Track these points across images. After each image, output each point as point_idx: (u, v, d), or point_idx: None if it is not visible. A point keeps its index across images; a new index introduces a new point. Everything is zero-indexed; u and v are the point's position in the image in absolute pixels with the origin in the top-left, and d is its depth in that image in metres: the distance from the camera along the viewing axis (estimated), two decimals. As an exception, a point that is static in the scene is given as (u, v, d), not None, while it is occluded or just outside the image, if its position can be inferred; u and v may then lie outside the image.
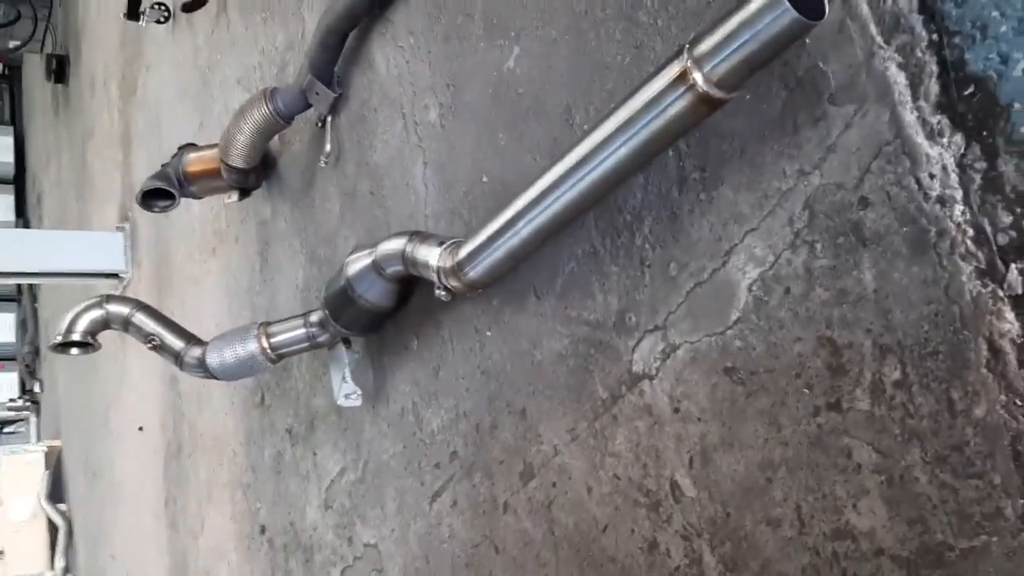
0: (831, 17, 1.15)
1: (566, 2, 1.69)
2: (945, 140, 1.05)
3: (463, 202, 2.02)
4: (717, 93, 1.21)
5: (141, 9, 4.38)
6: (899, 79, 1.10)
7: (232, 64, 3.61)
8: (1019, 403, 0.98)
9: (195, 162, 3.11)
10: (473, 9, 1.99)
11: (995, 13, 1.01)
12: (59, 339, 2.58)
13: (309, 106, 2.69)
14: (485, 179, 1.94)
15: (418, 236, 1.98)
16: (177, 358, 2.56)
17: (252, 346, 2.41)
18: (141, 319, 2.61)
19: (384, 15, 2.36)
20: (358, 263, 2.11)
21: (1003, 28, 1.00)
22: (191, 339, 2.58)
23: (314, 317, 2.40)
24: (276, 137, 2.94)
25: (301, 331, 2.41)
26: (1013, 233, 0.99)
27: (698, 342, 1.39)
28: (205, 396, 3.95)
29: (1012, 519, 0.98)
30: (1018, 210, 0.98)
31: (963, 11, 1.04)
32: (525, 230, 1.60)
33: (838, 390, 1.17)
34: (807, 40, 1.20)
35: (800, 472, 1.22)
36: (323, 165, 2.68)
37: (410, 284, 2.15)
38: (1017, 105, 0.99)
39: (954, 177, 1.04)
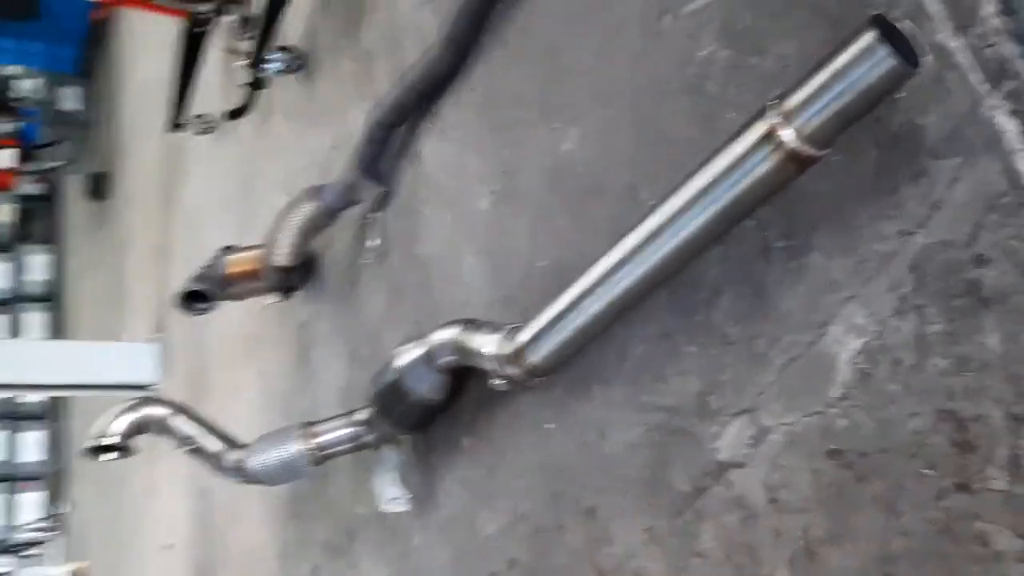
0: (924, 69, 1.09)
1: (624, 81, 1.66)
2: (1071, 187, 0.97)
3: (519, 288, 1.95)
4: (807, 150, 1.14)
5: (181, 121, 4.46)
6: (1009, 126, 1.03)
7: (276, 169, 3.64)
8: None
9: (235, 263, 3.09)
10: (526, 97, 1.97)
11: (1121, 49, 0.94)
12: (93, 443, 2.50)
13: (354, 202, 2.67)
14: (544, 263, 1.88)
15: (472, 324, 1.90)
16: (216, 462, 2.46)
17: (295, 447, 2.32)
18: (178, 422, 2.53)
19: (431, 109, 2.36)
20: (408, 355, 2.03)
21: None
22: (229, 442, 2.49)
23: (359, 416, 2.30)
24: (319, 238, 2.91)
25: (346, 431, 2.31)
26: None
27: (794, 424, 1.28)
28: (239, 509, 3.81)
29: None
30: None
31: (1081, 51, 0.98)
32: (594, 307, 1.53)
33: (966, 469, 1.05)
34: (899, 93, 1.14)
35: (927, 565, 1.09)
36: (368, 261, 2.64)
37: (462, 376, 2.06)
38: None
39: (1086, 227, 0.95)
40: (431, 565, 2.23)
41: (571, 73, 1.82)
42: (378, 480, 2.30)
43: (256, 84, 3.69)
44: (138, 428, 2.55)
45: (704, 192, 1.26)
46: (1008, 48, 1.03)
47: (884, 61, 1.03)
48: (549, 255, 1.86)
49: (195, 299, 3.03)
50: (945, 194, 1.09)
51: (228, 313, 4.01)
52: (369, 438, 2.31)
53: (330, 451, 2.34)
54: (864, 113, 1.10)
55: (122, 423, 2.53)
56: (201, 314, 3.05)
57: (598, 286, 1.51)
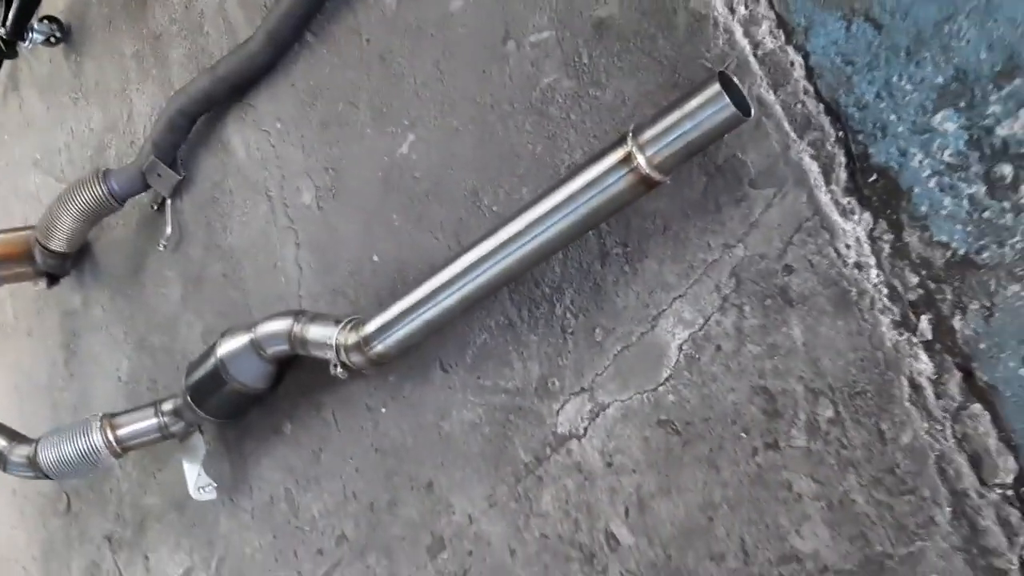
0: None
1: (468, 96, 1.81)
2: (856, 217, 1.28)
3: (348, 282, 2.05)
4: (656, 175, 1.37)
5: None
6: (813, 167, 1.32)
7: (26, 145, 3.37)
8: (939, 428, 1.19)
9: (2, 244, 2.85)
10: (357, 99, 2.06)
11: (892, 116, 1.26)
12: None
13: (145, 188, 2.59)
14: (376, 258, 1.99)
15: (305, 315, 1.97)
16: (1, 459, 2.30)
17: (96, 439, 2.23)
18: (-51, 419, 2.33)
19: (244, 100, 2.36)
20: (233, 343, 2.05)
21: (900, 128, 1.25)
22: (15, 436, 2.33)
23: (167, 406, 2.27)
24: (100, 223, 2.77)
25: (152, 421, 2.27)
26: (920, 291, 1.22)
27: (629, 400, 1.52)
28: (-24, 511, 3.50)
29: (943, 524, 1.18)
30: (923, 272, 1.22)
31: (864, 114, 1.29)
32: (448, 301, 1.66)
33: (775, 431, 1.34)
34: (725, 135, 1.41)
35: (742, 508, 1.37)
36: (162, 249, 2.57)
37: (285, 366, 2.12)
38: (916, 189, 1.24)
39: (867, 247, 1.27)
40: (244, 548, 2.26)
41: (407, 81, 1.94)
42: (188, 470, 2.28)
43: (4, 53, 3.37)
44: (-103, 426, 2.31)
45: (565, 202, 1.45)
46: (812, 105, 1.33)
47: (725, 109, 1.28)
48: (383, 252, 1.97)
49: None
50: (761, 216, 1.37)
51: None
52: (176, 428, 2.28)
53: (133, 443, 2.28)
54: (703, 148, 1.36)
55: None
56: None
57: (455, 282, 1.65)
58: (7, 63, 3.47)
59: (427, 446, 1.85)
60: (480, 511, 1.74)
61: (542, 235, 1.51)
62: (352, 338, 1.84)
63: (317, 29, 2.17)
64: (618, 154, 1.39)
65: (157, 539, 2.56)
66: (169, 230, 2.55)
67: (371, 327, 1.80)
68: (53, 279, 2.94)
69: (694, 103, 1.31)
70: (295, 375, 2.15)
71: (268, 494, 2.21)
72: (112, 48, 2.92)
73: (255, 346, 2.03)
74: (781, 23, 1.37)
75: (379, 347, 1.80)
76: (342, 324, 1.88)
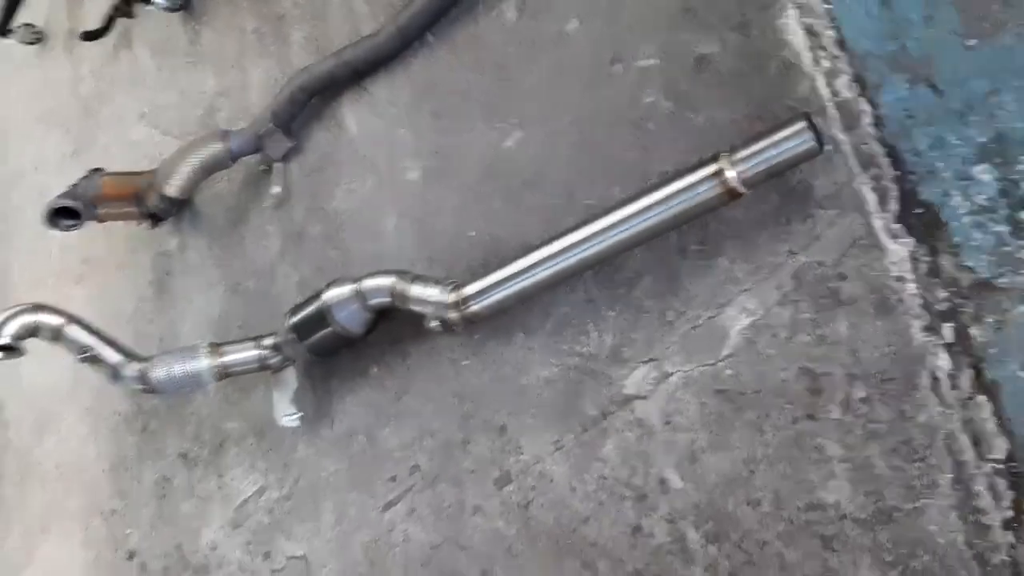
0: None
1: (572, 104, 2.10)
2: (902, 240, 1.58)
3: (443, 251, 2.33)
4: (741, 188, 1.67)
5: (11, 27, 4.22)
6: (871, 197, 1.62)
7: (133, 100, 3.64)
8: (950, 412, 1.49)
9: (112, 185, 3.13)
10: (469, 96, 2.35)
11: (940, 164, 1.55)
12: (-18, 342, 2.51)
13: (257, 151, 2.87)
14: (472, 233, 2.27)
15: (408, 275, 2.25)
16: (114, 372, 2.58)
17: (203, 363, 2.51)
18: (74, 331, 2.61)
19: (361, 85, 2.65)
20: (339, 291, 2.33)
21: (945, 174, 1.55)
22: (129, 354, 2.61)
23: (267, 341, 2.55)
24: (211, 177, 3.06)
25: (253, 352, 2.55)
26: (947, 303, 1.52)
27: (691, 371, 1.81)
28: (48, 423, 3.77)
29: (944, 487, 1.48)
30: (951, 289, 1.52)
31: (918, 159, 1.58)
32: (542, 275, 1.96)
33: (814, 405, 1.64)
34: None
35: (779, 464, 1.67)
36: (267, 205, 2.86)
37: (380, 317, 2.40)
38: (953, 223, 1.53)
39: (908, 265, 1.56)
40: (320, 472, 2.54)
41: (519, 88, 2.23)
42: (277, 398, 2.56)
43: (123, 11, 3.65)
44: (30, 331, 2.59)
45: (659, 202, 1.75)
46: (875, 147, 1.62)
47: (807, 143, 1.58)
48: (480, 228, 2.26)
49: (63, 215, 3.03)
50: (824, 232, 1.66)
51: (49, 235, 3.93)
52: (273, 361, 2.56)
53: (234, 369, 2.56)
54: (782, 172, 1.65)
55: (13, 325, 2.56)
56: (67, 230, 3.06)
57: (550, 260, 1.94)
58: (122, 22, 3.74)
59: (504, 395, 2.13)
60: (546, 453, 2.02)
61: (634, 227, 1.81)
62: (452, 297, 2.13)
63: (438, 32, 2.46)
64: (712, 168, 1.68)
65: (234, 461, 2.84)
66: (278, 189, 2.82)
67: (471, 289, 2.09)
68: (156, 221, 3.21)
69: (782, 134, 1.61)
70: (386, 327, 2.42)
71: (348, 427, 2.49)
72: (232, 23, 3.20)
73: (359, 295, 2.31)
74: (857, 78, 1.67)
75: (475, 307, 2.09)
76: (443, 285, 2.16)
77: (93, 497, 3.40)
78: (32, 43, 4.32)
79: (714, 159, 1.68)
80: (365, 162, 2.60)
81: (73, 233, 3.71)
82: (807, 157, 1.61)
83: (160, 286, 3.30)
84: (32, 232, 4.09)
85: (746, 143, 1.65)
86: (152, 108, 3.53)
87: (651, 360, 1.88)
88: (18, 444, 3.98)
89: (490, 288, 2.06)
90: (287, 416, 2.54)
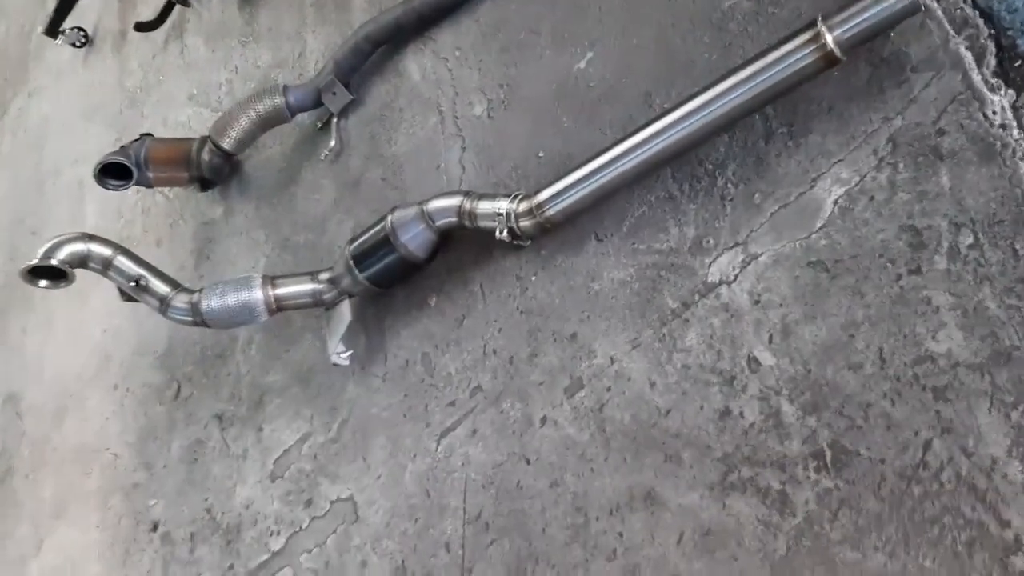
0: (914, 19, 1.68)
1: (650, 19, 2.13)
2: (1002, 92, 1.57)
3: (511, 176, 2.31)
4: (838, 52, 1.67)
5: (62, 29, 4.31)
6: (968, 56, 1.62)
7: (183, 83, 3.69)
8: (1066, 244, 1.45)
9: (162, 148, 3.14)
10: (539, 28, 2.38)
11: (1039, 16, 1.57)
12: (34, 262, 2.45)
13: (316, 106, 2.89)
14: (542, 154, 2.27)
15: (474, 194, 2.23)
16: (163, 302, 2.52)
17: (257, 294, 2.45)
18: (123, 262, 2.56)
19: (425, 34, 2.69)
20: (405, 213, 2.30)
21: (1046, 23, 1.56)
22: (178, 286, 2.56)
23: (323, 275, 2.50)
24: (264, 135, 3.06)
25: (309, 286, 2.49)
26: (1056, 143, 1.50)
27: (781, 247, 1.77)
28: (68, 408, 3.65)
29: (1066, 317, 1.43)
30: (1059, 130, 1.50)
31: (1013, 16, 1.60)
32: (620, 170, 1.94)
33: (918, 259, 1.59)
34: (891, 33, 1.71)
35: (882, 324, 1.61)
36: (323, 158, 2.85)
37: (443, 243, 2.35)
38: (1056, 68, 1.53)
39: (1010, 114, 1.55)
40: (370, 409, 2.45)
41: (591, 10, 2.26)
42: (331, 334, 2.49)
43: (179, 1, 3.74)
44: (80, 260, 2.54)
45: (752, 75, 1.75)
46: (969, 10, 1.63)
47: (908, -4, 1.59)
48: (549, 148, 2.25)
49: (113, 173, 3.02)
50: (920, 93, 1.66)
51: (87, 214, 3.91)
52: (328, 296, 2.50)
53: (288, 302, 2.50)
54: (881, 32, 1.66)
55: (65, 250, 2.51)
56: (115, 190, 3.04)
57: (629, 153, 1.92)
58: (178, 13, 3.82)
59: (574, 304, 2.08)
60: (622, 353, 1.96)
61: (723, 107, 1.80)
62: (524, 206, 2.10)
63: (507, -26, 2.51)
64: (808, 34, 1.69)
65: (275, 412, 2.74)
66: (333, 142, 2.83)
67: (545, 194, 2.07)
68: (205, 185, 3.20)
69: (881, -9, 1.62)
70: (446, 257, 2.38)
71: (404, 359, 2.42)
72: (292, 0, 3.27)
73: (425, 216, 2.28)
74: (946, -48, 1.69)
75: (551, 211, 2.06)
76: (512, 196, 2.14)
77: (114, 474, 3.27)
78: (80, 46, 4.41)
79: (810, 26, 1.69)
80: (427, 104, 2.61)
81: (109, 215, 3.71)
82: (908, 13, 1.61)
83: (201, 254, 3.26)
84: (66, 220, 4.07)
85: (842, 7, 1.67)
86: (201, 89, 3.57)
87: (737, 245, 1.84)
88: (34, 434, 3.85)
89: (566, 190, 2.03)
90: (339, 354, 2.47)
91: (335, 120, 2.86)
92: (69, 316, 3.87)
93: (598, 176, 1.98)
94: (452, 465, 2.21)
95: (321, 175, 2.89)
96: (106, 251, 2.55)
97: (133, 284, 2.50)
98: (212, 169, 3.07)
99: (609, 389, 1.96)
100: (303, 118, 3.00)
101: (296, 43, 3.18)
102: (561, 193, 2.04)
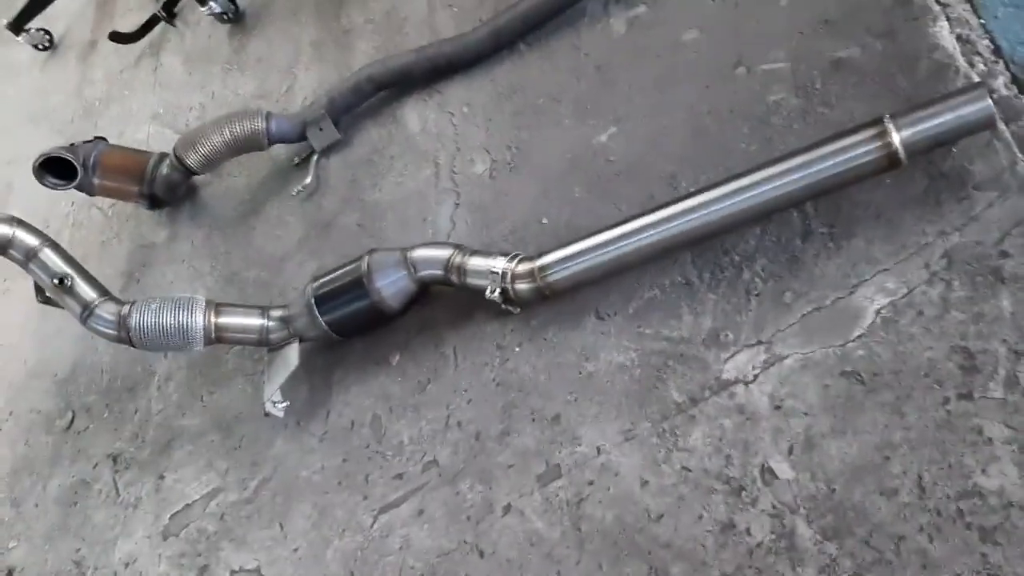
0: (979, 138, 1.59)
1: (684, 103, 2.02)
2: (1073, 223, 1.47)
3: (507, 238, 2.12)
4: (902, 155, 1.56)
5: (27, 27, 4.03)
6: (1035, 182, 1.53)
7: (149, 101, 3.44)
8: None
9: (116, 155, 2.86)
10: (561, 96, 2.25)
11: (1117, 152, 1.49)
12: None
13: (297, 140, 2.68)
14: (545, 221, 2.09)
15: (466, 249, 2.03)
16: (85, 309, 2.19)
17: (198, 319, 2.15)
18: (50, 256, 2.23)
19: (431, 87, 2.54)
20: (385, 256, 2.08)
21: (1124, 161, 1.48)
22: (106, 292, 2.24)
23: (276, 312, 2.23)
24: (232, 160, 2.82)
25: (257, 321, 2.21)
26: None
27: (811, 352, 1.61)
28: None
29: None
30: None
31: (1088, 150, 1.52)
32: (644, 242, 1.77)
33: (970, 384, 1.44)
34: (954, 149, 1.62)
35: (924, 449, 1.44)
36: (295, 194, 2.62)
37: (416, 299, 2.13)
38: None
39: (1081, 245, 1.45)
40: (300, 471, 2.14)
41: (620, 88, 2.15)
42: (272, 380, 2.19)
43: (165, 18, 3.53)
44: (3, 245, 2.21)
45: (805, 164, 1.62)
46: (1038, 138, 1.56)
47: (985, 109, 1.50)
48: (555, 216, 2.08)
49: (54, 170, 2.71)
50: (982, 212, 1.55)
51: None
52: (276, 336, 2.22)
53: (229, 335, 2.21)
54: (950, 141, 1.56)
55: (-13, 231, 2.19)
56: (54, 188, 2.72)
57: (652, 228, 1.76)
58: (159, 31, 3.61)
59: (562, 383, 1.86)
60: (613, 444, 1.73)
61: (762, 194, 1.67)
62: (524, 267, 1.91)
63: (532, 40, 2.40)
64: (873, 130, 1.58)
65: (183, 460, 2.38)
66: (309, 179, 2.61)
67: (551, 257, 1.88)
68: (156, 204, 2.91)
69: (959, 99, 1.53)
70: (419, 314, 2.15)
71: (349, 419, 2.13)
72: (289, 35, 3.10)
73: (407, 263, 2.06)
74: (1015, 80, 1.63)
75: (554, 277, 1.87)
76: (510, 256, 1.94)
77: (-28, 506, 2.80)
78: (42, 49, 4.13)
79: (876, 123, 1.59)
80: (423, 155, 2.43)
81: (33, 222, 3.35)
82: (982, 126, 1.53)
83: (131, 277, 2.94)
84: None
85: (913, 108, 1.57)
86: (169, 109, 3.33)
87: (760, 343, 1.67)
88: None
89: (574, 257, 1.85)
90: (274, 403, 2.17)
91: (315, 157, 2.65)
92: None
93: (613, 247, 1.81)
94: (388, 547, 1.90)
95: (288, 212, 2.65)
96: (32, 240, 2.24)
97: (57, 282, 2.17)
98: (167, 186, 2.79)
99: (591, 483, 1.72)
100: (278, 151, 2.78)
101: (285, 77, 2.99)
102: (569, 259, 1.85)
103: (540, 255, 1.89)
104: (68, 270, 2.21)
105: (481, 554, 1.77)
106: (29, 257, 2.21)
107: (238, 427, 2.32)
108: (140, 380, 2.64)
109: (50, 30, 4.15)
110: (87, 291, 2.21)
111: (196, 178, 2.89)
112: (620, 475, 1.70)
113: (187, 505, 2.29)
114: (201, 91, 3.26)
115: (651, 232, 1.77)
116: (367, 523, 1.96)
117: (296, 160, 2.72)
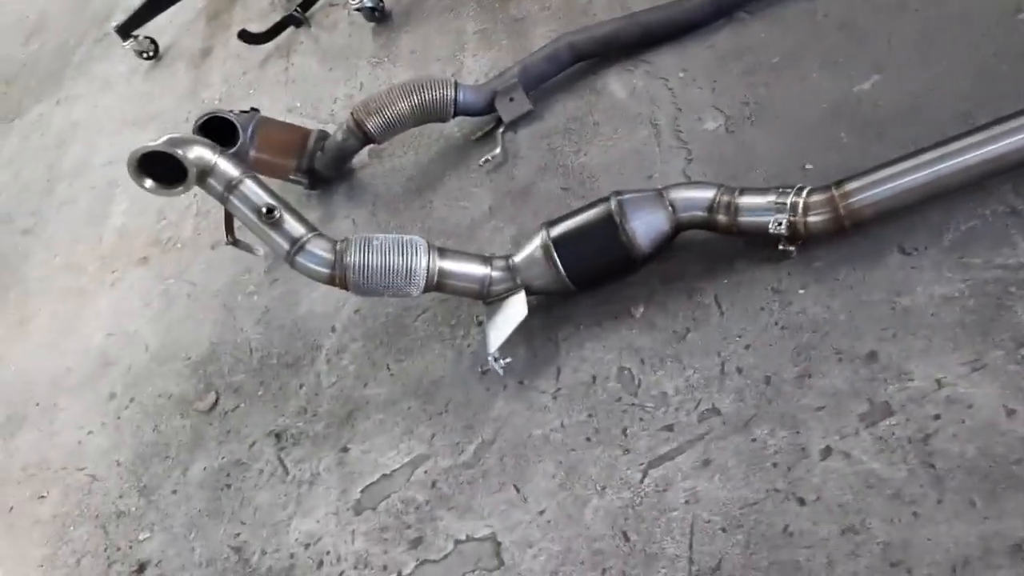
0: None
1: (960, 47, 1.90)
2: None
3: (762, 183, 1.95)
4: None
5: (134, 33, 3.90)
6: None
7: (281, 96, 3.29)
8: None
9: (275, 128, 2.67)
10: (800, 54, 2.13)
11: None
12: (154, 146, 1.90)
13: (485, 112, 2.52)
14: (809, 166, 1.93)
15: (730, 186, 1.85)
16: (294, 244, 1.95)
17: (422, 260, 1.92)
18: (252, 187, 2.00)
19: (636, 56, 2.41)
20: (637, 195, 1.89)
21: None
22: (316, 229, 2.01)
23: (500, 261, 2.01)
24: (366, 153, 2.66)
25: (480, 269, 1.99)
26: None
27: None
28: (29, 418, 2.83)
29: None
30: None
31: None
32: (965, 164, 1.60)
33: None
34: None
35: None
36: (481, 165, 2.44)
37: (664, 247, 1.92)
38: None
39: None
40: (528, 431, 1.87)
41: (874, 39, 2.03)
42: (496, 328, 1.95)
43: (296, 19, 3.42)
44: (206, 171, 1.99)
45: None
46: None
47: None
48: (819, 161, 1.92)
49: (218, 131, 2.49)
50: None
51: (104, 222, 3.33)
52: (498, 288, 1.99)
53: (448, 283, 1.98)
54: None
55: (195, 151, 1.97)
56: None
57: (973, 149, 1.60)
58: (287, 36, 3.49)
59: (870, 321, 1.65)
60: (957, 376, 1.51)
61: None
62: (818, 197, 1.73)
63: (753, 9, 2.30)
64: None
65: (372, 430, 2.08)
66: (498, 150, 2.43)
67: (856, 183, 1.70)
68: (314, 180, 2.71)
69: None
70: (660, 266, 1.95)
71: (588, 375, 1.88)
72: (447, 28, 2.99)
73: (665, 202, 1.87)
74: None
75: (859, 204, 1.68)
76: (795, 188, 1.77)
77: (85, 500, 2.48)
78: (146, 57, 4.00)
79: None
80: (635, 119, 2.28)
81: (144, 214, 3.16)
82: None
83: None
84: (77, 219, 3.46)
85: None
86: (308, 101, 3.18)
87: (1125, 261, 1.49)
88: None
89: (886, 180, 1.68)
90: (496, 359, 1.92)
91: (501, 129, 2.48)
92: (56, 316, 3.14)
93: (930, 170, 1.64)
94: (668, 502, 1.64)
95: (472, 184, 2.46)
96: (233, 171, 2.01)
97: (265, 211, 1.94)
98: (338, 156, 2.60)
99: (938, 417, 1.49)
100: (451, 127, 2.62)
101: (449, 64, 2.86)
102: (880, 183, 1.67)
103: (841, 182, 1.71)
104: (273, 202, 1.98)
105: (801, 501, 1.52)
106: (230, 188, 1.98)
107: (440, 392, 2.06)
108: (303, 355, 2.38)
109: (156, 40, 4.02)
110: (295, 226, 1.98)
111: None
112: (975, 407, 1.47)
113: (384, 476, 2.00)
114: (346, 84, 3.11)
115: (974, 153, 1.61)
116: (634, 478, 1.69)
117: (478, 134, 2.56)
